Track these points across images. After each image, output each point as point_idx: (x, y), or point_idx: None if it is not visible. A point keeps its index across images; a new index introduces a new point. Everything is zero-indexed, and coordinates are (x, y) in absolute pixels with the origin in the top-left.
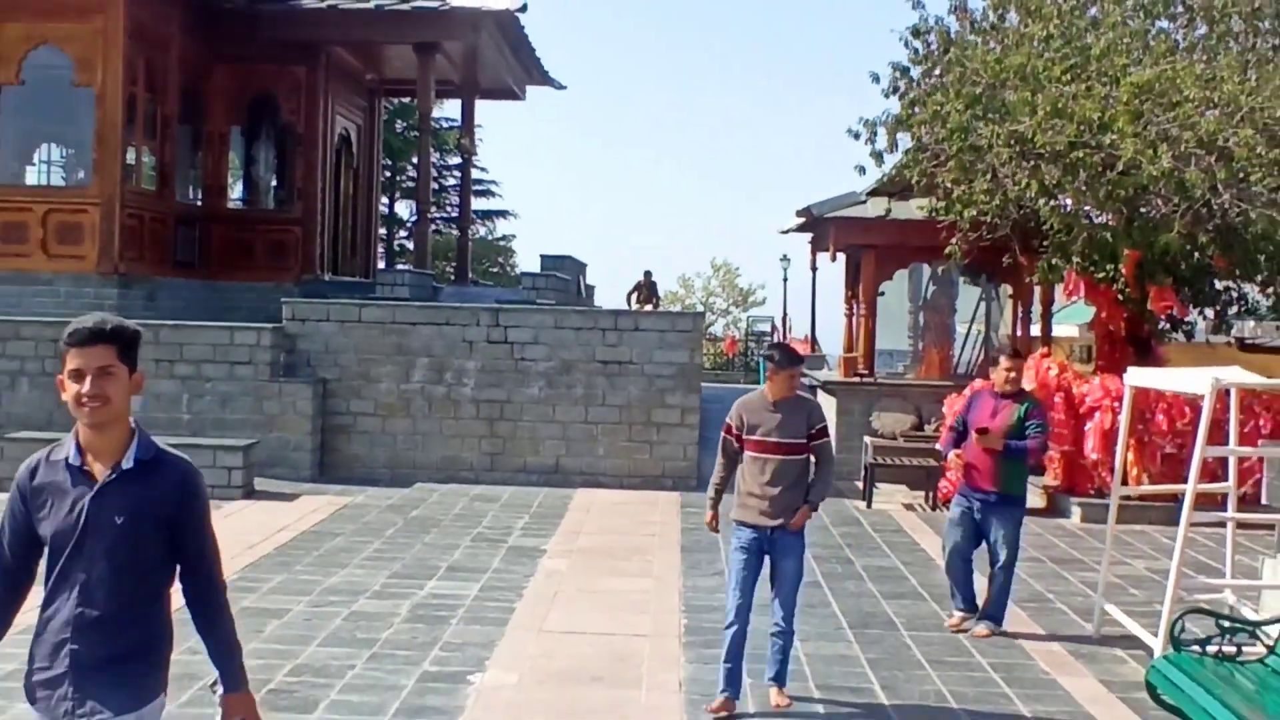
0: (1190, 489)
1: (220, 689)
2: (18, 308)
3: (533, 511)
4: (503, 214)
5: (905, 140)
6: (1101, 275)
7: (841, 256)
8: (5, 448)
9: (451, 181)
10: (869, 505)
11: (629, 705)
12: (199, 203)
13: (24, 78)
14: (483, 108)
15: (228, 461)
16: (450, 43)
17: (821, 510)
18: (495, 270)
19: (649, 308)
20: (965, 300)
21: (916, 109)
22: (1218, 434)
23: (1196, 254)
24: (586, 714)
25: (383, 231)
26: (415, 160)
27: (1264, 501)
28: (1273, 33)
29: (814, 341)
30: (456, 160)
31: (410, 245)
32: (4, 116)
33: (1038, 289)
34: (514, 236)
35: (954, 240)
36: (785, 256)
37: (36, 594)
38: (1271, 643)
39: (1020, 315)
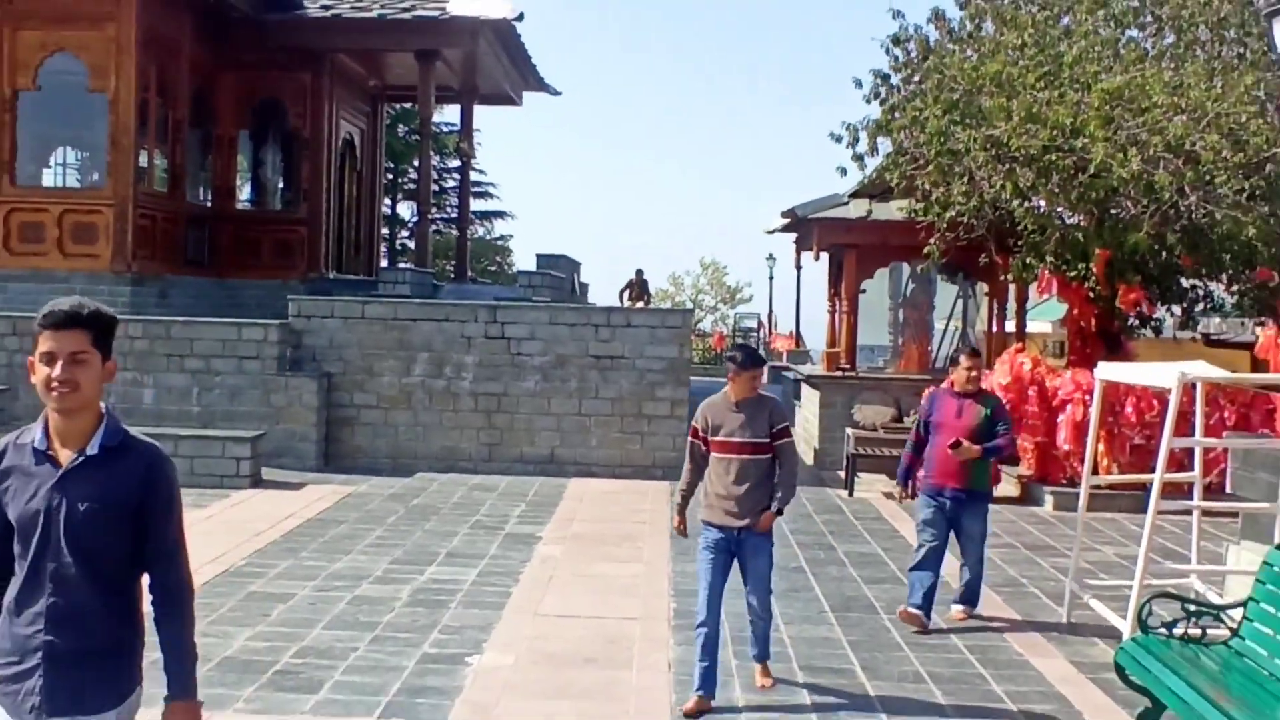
0: (1158, 478)
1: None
2: (35, 304)
3: (528, 500)
4: (500, 215)
5: (886, 144)
6: (1073, 274)
7: (825, 256)
8: None
9: (451, 183)
10: (850, 494)
11: (620, 685)
12: (209, 204)
13: (40, 84)
14: (481, 113)
15: (236, 452)
16: (450, 50)
17: (805, 499)
18: (493, 269)
19: (640, 305)
20: (943, 298)
21: (896, 114)
22: (1184, 426)
23: (1164, 253)
24: (580, 694)
25: (385, 231)
26: (416, 163)
27: (1228, 490)
28: (1237, 41)
29: (798, 337)
30: (456, 163)
31: (411, 244)
32: (21, 121)
33: (1012, 287)
34: (511, 236)
35: (932, 240)
36: (771, 256)
37: None
38: (1235, 626)
39: (996, 312)
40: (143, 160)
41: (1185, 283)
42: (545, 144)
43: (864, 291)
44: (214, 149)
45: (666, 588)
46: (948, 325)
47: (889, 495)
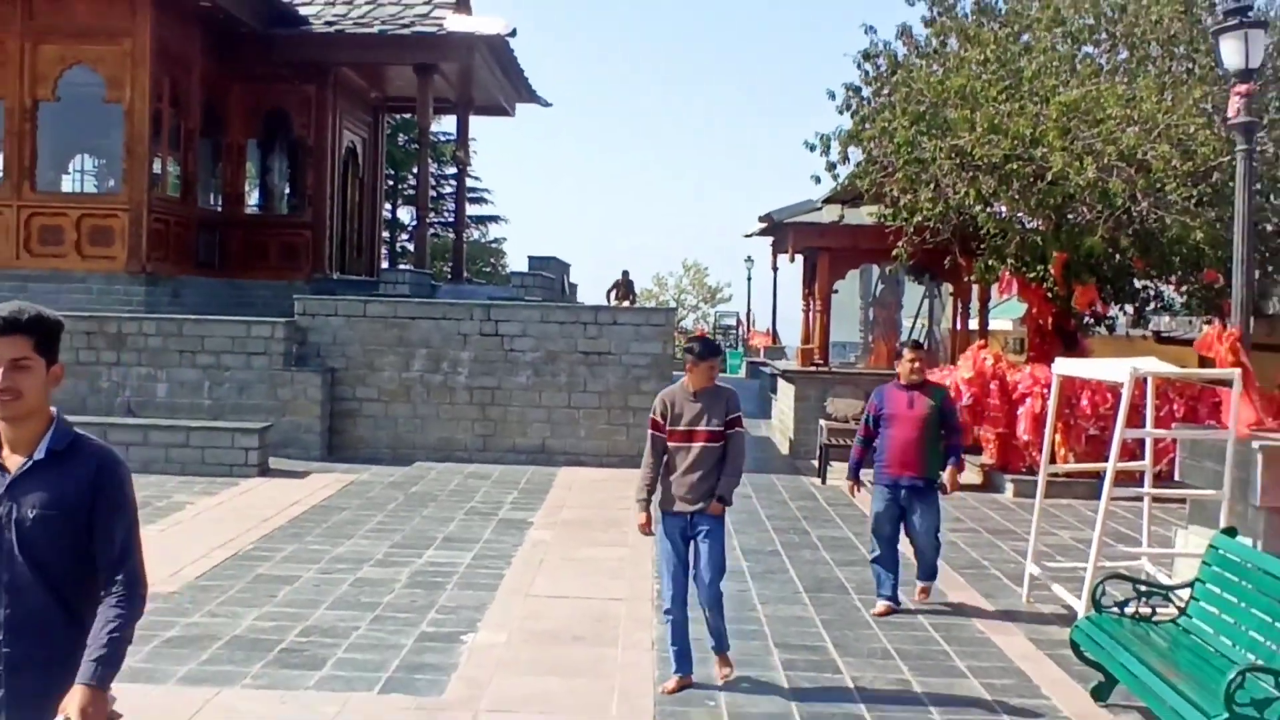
0: (1111, 467)
1: None
2: (54, 303)
3: (521, 488)
4: (494, 219)
5: (857, 153)
6: (1033, 275)
7: (799, 258)
8: None
9: (448, 189)
10: (823, 481)
11: (607, 662)
12: (219, 208)
13: (59, 95)
14: (476, 123)
15: (245, 443)
16: (447, 64)
17: (780, 486)
18: (487, 270)
19: (626, 304)
20: (910, 297)
21: (867, 125)
22: (1136, 418)
23: (1118, 256)
24: (568, 670)
25: (386, 234)
26: (415, 170)
27: (1177, 478)
28: (1186, 57)
29: (775, 334)
30: (453, 170)
31: (411, 247)
32: (42, 130)
33: (975, 287)
34: (504, 239)
35: (900, 243)
36: (749, 258)
37: None
38: (1183, 605)
39: (960, 311)
40: (156, 167)
41: (1137, 284)
42: (537, 153)
43: (836, 292)
44: (224, 157)
45: (650, 570)
46: (915, 323)
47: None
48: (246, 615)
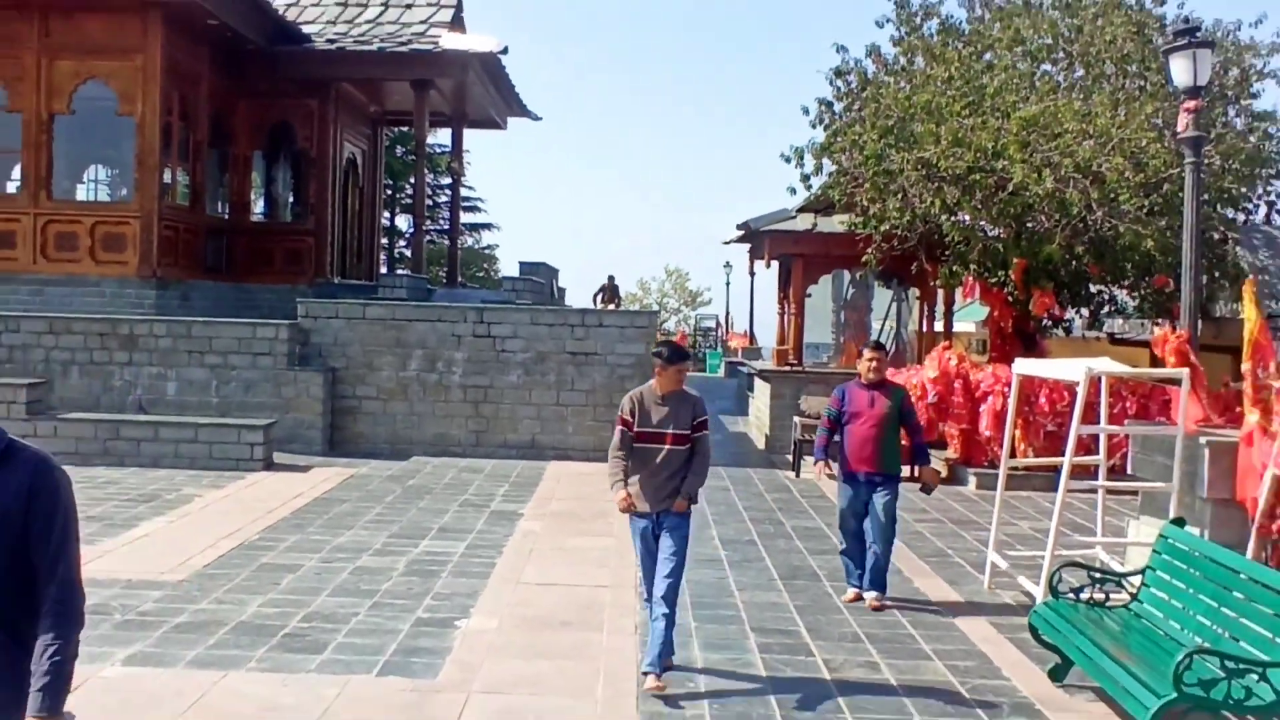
0: (1067, 461)
1: None
2: (69, 306)
3: (512, 481)
4: (487, 226)
5: (829, 165)
6: (994, 280)
7: (775, 264)
8: (58, 426)
9: (443, 199)
10: (797, 475)
11: (592, 646)
12: (226, 216)
13: (74, 108)
14: (470, 135)
15: (250, 439)
16: (442, 80)
17: (757, 479)
18: (480, 275)
19: (612, 307)
20: (879, 301)
21: (838, 138)
22: (1091, 414)
23: (1074, 262)
24: (557, 654)
25: (384, 241)
26: (412, 180)
27: (1129, 471)
28: (1139, 75)
29: (752, 336)
30: (447, 180)
31: (408, 253)
32: (57, 142)
33: (941, 292)
34: (496, 246)
35: (870, 250)
36: (728, 263)
37: None
38: (1135, 591)
39: (926, 314)
40: (166, 177)
41: (1092, 288)
42: (527, 164)
43: (810, 296)
44: (231, 167)
45: (634, 559)
46: (883, 325)
47: (832, 475)
48: (251, 602)
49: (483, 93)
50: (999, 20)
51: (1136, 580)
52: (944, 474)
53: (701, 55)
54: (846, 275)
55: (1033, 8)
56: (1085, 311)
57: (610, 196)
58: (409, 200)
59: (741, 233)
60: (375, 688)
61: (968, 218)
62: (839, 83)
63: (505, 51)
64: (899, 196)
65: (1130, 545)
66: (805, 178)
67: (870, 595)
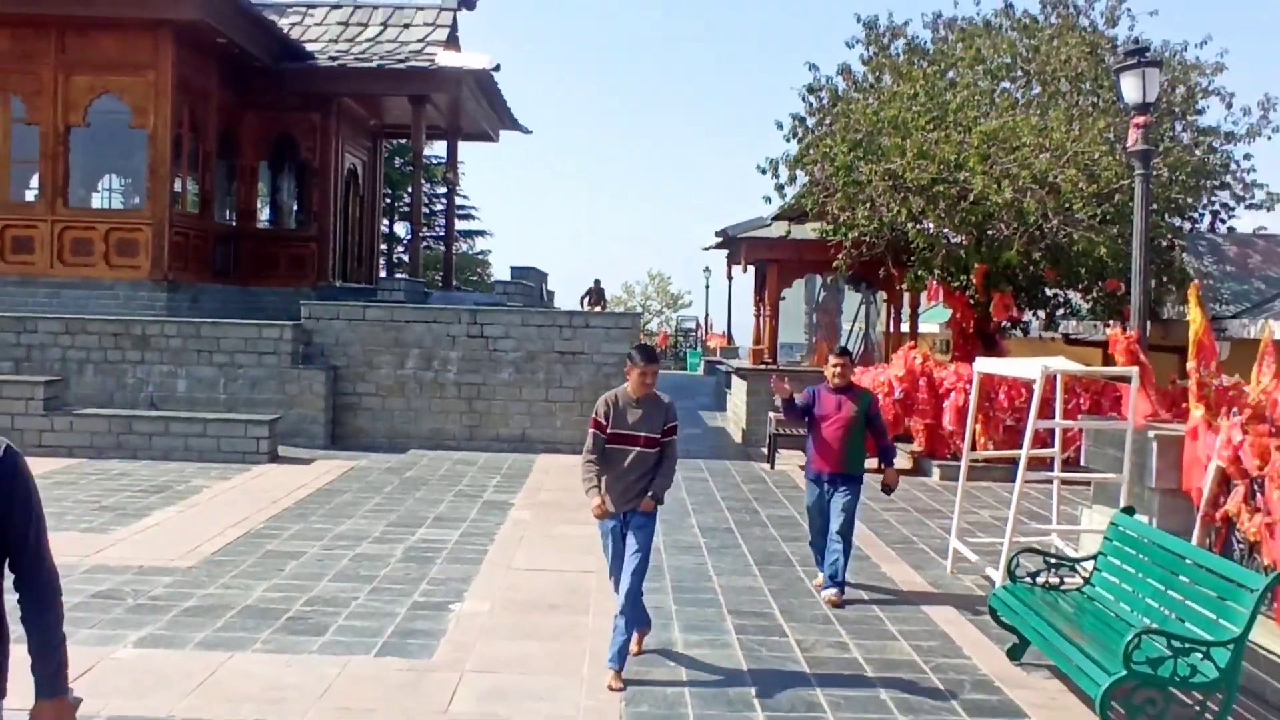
0: (1025, 453)
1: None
2: (85, 308)
3: (503, 473)
4: (480, 233)
5: (802, 175)
6: (957, 284)
7: (751, 268)
8: (74, 421)
9: (439, 207)
10: (772, 467)
11: (579, 628)
12: (233, 223)
13: (90, 121)
14: (464, 147)
15: (256, 433)
16: (438, 95)
17: (734, 471)
18: (474, 279)
19: (598, 309)
20: (849, 304)
21: (811, 150)
22: (1047, 410)
23: (1031, 267)
24: (545, 635)
25: (383, 247)
26: (410, 189)
27: (1082, 463)
28: (1091, 92)
29: (730, 336)
30: (443, 190)
31: (405, 258)
32: (73, 153)
33: (906, 295)
34: (489, 251)
35: (840, 256)
36: (707, 268)
37: None
38: (1087, 575)
39: (893, 316)
40: (177, 186)
41: (1048, 292)
42: (518, 174)
43: (784, 298)
44: (238, 177)
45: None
46: (853, 327)
47: (804, 467)
48: (257, 587)
49: (476, 107)
50: (961, 41)
51: (1089, 565)
52: (909, 466)
53: (684, 72)
54: (818, 279)
55: (993, 29)
56: (1042, 314)
57: (597, 205)
58: (407, 208)
59: (720, 239)
60: (374, 667)
61: (932, 226)
62: (811, 99)
63: (498, 68)
64: (867, 205)
65: (1083, 532)
66: (780, 188)
67: (829, 592)
